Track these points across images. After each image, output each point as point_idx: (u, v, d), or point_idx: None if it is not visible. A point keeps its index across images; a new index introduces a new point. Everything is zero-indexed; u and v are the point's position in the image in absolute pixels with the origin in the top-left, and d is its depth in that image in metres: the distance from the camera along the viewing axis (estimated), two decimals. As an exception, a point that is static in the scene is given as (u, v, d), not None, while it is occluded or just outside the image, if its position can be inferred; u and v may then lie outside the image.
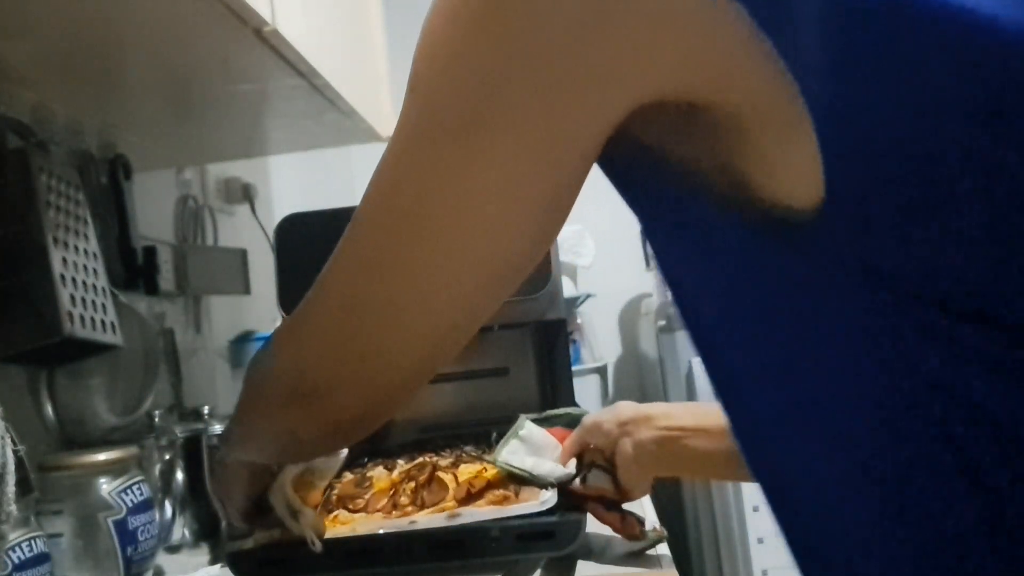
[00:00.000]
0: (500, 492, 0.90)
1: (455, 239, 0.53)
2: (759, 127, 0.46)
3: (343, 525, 0.89)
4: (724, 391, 0.55)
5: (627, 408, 0.92)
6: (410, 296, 0.56)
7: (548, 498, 0.86)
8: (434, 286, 0.55)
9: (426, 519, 0.86)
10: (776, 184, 0.46)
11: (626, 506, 0.91)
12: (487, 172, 0.51)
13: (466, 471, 0.93)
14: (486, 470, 0.92)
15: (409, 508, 0.90)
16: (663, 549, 0.91)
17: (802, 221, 0.45)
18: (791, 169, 0.45)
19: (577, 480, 0.90)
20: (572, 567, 0.86)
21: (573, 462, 0.92)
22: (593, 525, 0.89)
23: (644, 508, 1.07)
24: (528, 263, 0.56)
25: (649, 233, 0.55)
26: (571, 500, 0.88)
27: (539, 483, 0.89)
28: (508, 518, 0.84)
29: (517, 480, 0.91)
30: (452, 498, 0.90)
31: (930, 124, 0.43)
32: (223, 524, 1.14)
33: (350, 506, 0.93)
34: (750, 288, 0.49)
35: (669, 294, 0.56)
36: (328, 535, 0.83)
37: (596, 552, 0.90)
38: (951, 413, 0.44)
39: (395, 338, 0.58)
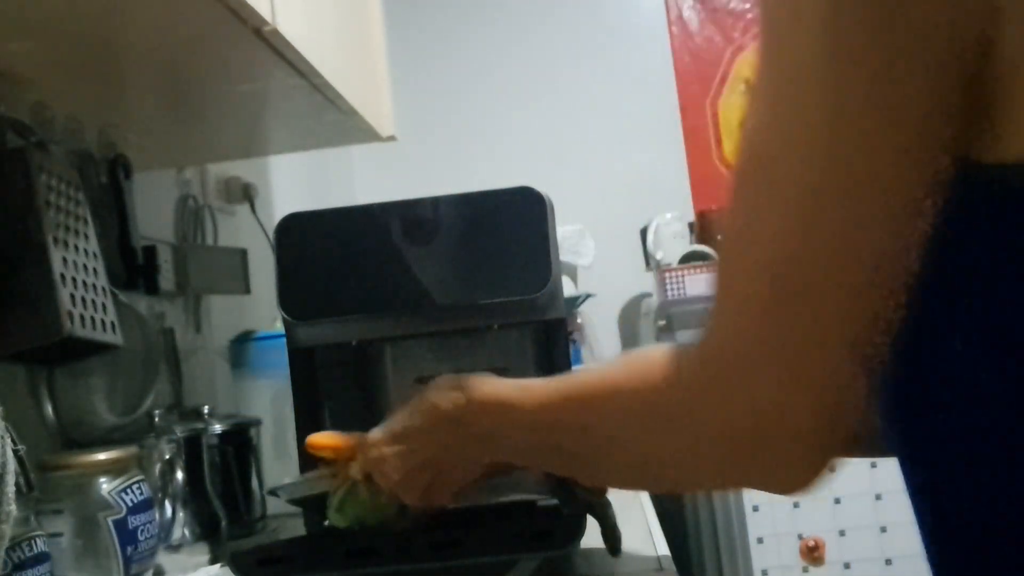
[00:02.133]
0: None
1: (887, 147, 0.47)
2: (1011, 80, 0.46)
3: None
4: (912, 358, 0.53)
5: None
6: (851, 244, 0.49)
7: None
8: (873, 219, 0.48)
9: None
10: (1008, 142, 0.46)
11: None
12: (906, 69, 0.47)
13: None
14: None
15: None
16: (662, 548, 0.91)
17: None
18: None
19: None
20: (572, 567, 0.86)
21: None
22: (593, 526, 0.89)
23: (645, 510, 1.07)
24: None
25: None
26: None
27: None
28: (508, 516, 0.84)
29: None
30: None
31: None
32: (222, 524, 1.14)
33: None
34: (961, 249, 0.48)
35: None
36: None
37: (595, 552, 0.90)
38: None
39: (841, 297, 0.49)
